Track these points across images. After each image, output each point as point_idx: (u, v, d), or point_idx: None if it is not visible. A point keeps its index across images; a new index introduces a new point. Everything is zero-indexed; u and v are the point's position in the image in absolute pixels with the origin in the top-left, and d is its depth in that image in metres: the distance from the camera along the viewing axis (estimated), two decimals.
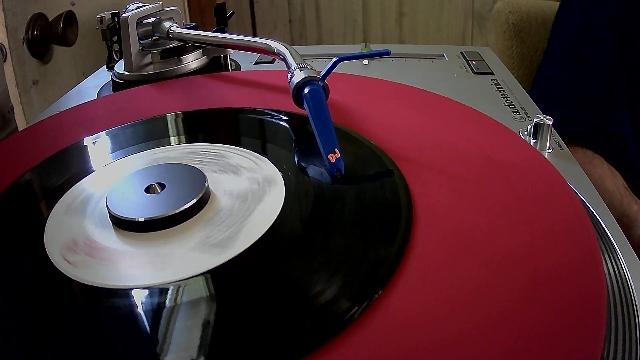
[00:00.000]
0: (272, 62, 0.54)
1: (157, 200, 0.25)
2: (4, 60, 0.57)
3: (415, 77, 0.49)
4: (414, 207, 0.24)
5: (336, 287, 0.20)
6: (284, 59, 0.37)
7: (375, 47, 0.58)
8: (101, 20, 0.54)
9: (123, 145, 0.33)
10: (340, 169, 0.27)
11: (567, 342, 0.17)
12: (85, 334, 0.19)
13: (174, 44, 0.48)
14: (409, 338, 0.18)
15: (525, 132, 0.36)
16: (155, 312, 0.20)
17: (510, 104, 0.42)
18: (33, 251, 0.24)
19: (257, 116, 0.36)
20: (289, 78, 0.34)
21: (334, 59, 0.34)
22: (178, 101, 0.39)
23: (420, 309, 0.19)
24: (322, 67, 0.33)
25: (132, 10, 0.46)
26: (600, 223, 0.27)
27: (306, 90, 0.32)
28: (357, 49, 0.59)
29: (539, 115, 0.34)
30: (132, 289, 0.21)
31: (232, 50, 0.49)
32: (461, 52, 0.56)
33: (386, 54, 0.37)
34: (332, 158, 0.27)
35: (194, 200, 0.25)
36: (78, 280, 0.21)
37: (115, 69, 0.48)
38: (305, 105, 0.32)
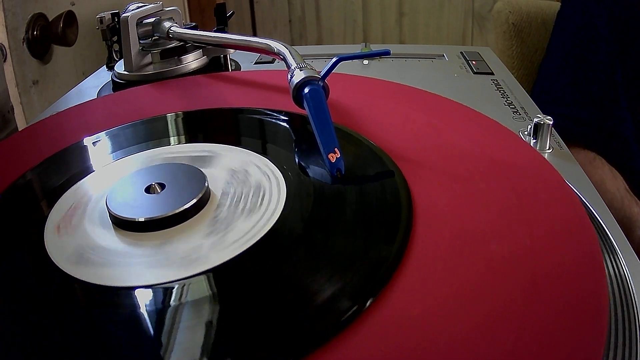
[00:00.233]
0: (272, 62, 0.54)
1: (157, 200, 0.25)
2: (4, 60, 0.57)
3: (415, 77, 0.49)
4: (414, 207, 0.24)
5: (336, 287, 0.20)
6: (284, 59, 0.37)
7: (375, 47, 0.58)
8: (101, 20, 0.54)
9: (123, 145, 0.33)
10: (341, 169, 0.27)
11: (567, 342, 0.17)
12: (85, 334, 0.19)
13: (174, 44, 0.48)
14: (409, 338, 0.18)
15: (525, 132, 0.36)
16: (155, 311, 0.20)
17: (510, 104, 0.42)
18: (33, 251, 0.24)
19: (257, 116, 0.36)
20: (289, 78, 0.34)
21: (334, 59, 0.34)
22: (178, 101, 0.39)
23: (420, 309, 0.19)
24: (322, 67, 0.33)
25: (132, 10, 0.46)
26: (600, 223, 0.27)
27: (306, 90, 0.32)
28: (357, 49, 0.59)
29: (539, 115, 0.34)
30: (132, 289, 0.21)
31: (232, 50, 0.49)
32: (461, 52, 0.56)
33: (386, 54, 0.37)
34: (332, 158, 0.27)
35: (194, 200, 0.25)
36: (78, 280, 0.21)
37: (115, 69, 0.48)
38: (305, 105, 0.32)
